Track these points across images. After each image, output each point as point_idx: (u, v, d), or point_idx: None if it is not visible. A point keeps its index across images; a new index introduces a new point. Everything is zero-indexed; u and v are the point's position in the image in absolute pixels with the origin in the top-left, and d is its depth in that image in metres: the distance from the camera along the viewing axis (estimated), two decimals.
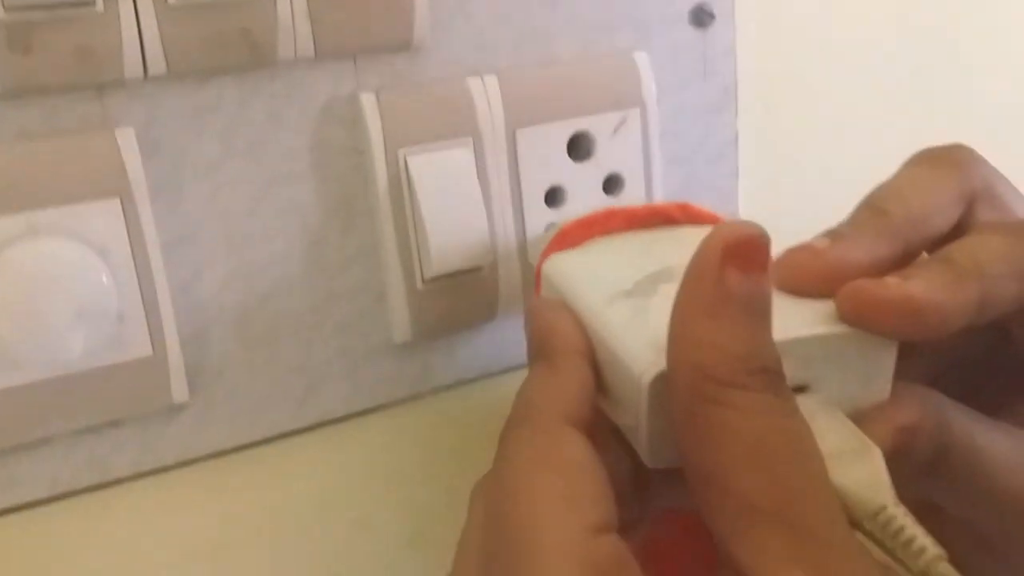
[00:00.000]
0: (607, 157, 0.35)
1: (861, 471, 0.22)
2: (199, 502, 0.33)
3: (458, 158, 0.33)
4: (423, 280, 0.33)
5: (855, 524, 0.22)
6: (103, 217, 0.28)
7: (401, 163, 0.32)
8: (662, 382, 0.23)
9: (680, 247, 0.25)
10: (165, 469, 0.32)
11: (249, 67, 0.30)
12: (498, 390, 0.36)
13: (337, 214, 0.32)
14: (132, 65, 0.28)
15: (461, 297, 0.34)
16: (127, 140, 0.29)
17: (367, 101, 0.31)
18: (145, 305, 0.29)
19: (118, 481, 0.31)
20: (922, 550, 0.21)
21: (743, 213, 0.40)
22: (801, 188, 0.41)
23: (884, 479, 0.22)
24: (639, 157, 0.36)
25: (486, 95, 0.33)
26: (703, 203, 0.32)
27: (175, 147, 0.30)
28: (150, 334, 0.30)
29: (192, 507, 0.33)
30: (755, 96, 0.39)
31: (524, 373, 0.35)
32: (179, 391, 0.31)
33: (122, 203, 0.29)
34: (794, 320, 0.25)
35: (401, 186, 0.32)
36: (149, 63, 0.28)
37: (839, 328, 0.24)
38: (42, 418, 0.29)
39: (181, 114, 0.30)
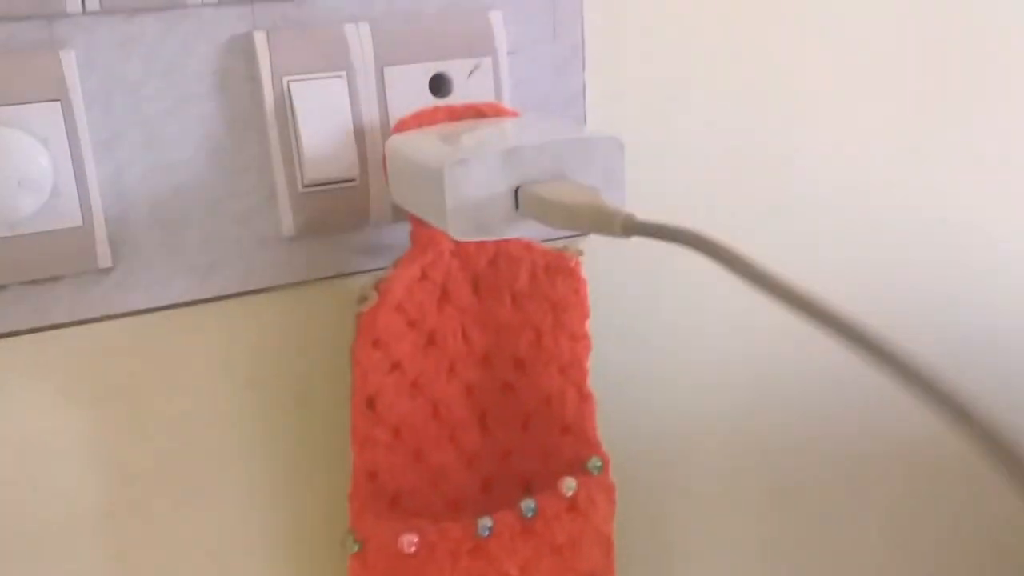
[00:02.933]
0: (463, 95, 0.43)
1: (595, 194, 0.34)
2: (122, 350, 0.42)
3: (333, 87, 0.41)
4: (303, 184, 0.42)
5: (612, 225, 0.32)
6: (47, 116, 0.38)
7: (285, 89, 0.41)
8: (458, 168, 0.34)
9: (486, 127, 0.38)
10: (95, 320, 0.41)
11: (167, 7, 0.39)
12: None
13: (235, 127, 0.41)
14: (73, 1, 0.37)
15: (337, 202, 0.43)
16: (68, 59, 0.38)
17: (259, 38, 0.40)
18: (77, 185, 0.39)
19: (55, 326, 0.40)
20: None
21: None
22: (645, 130, 0.49)
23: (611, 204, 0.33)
24: (491, 97, 0.44)
25: (359, 37, 0.41)
26: None
27: (106, 67, 0.39)
28: (80, 209, 0.39)
29: (116, 354, 0.42)
30: (602, 53, 0.47)
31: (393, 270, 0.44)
32: (104, 257, 0.40)
33: (62, 106, 0.38)
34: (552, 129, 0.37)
35: (285, 107, 0.41)
36: (87, 1, 0.37)
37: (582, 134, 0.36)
38: None
39: (112, 42, 0.39)
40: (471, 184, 0.34)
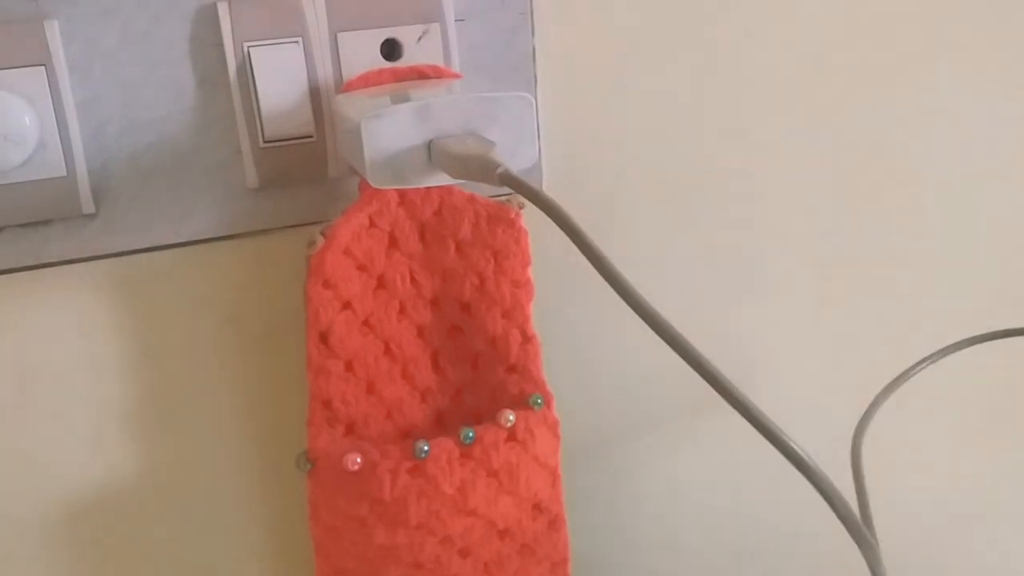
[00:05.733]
0: (413, 59, 0.47)
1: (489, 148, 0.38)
2: (108, 288, 0.47)
3: (289, 52, 0.46)
4: (263, 140, 0.46)
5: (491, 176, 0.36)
6: (32, 79, 0.43)
7: (245, 54, 0.45)
8: (373, 121, 0.38)
9: (426, 88, 0.41)
10: (82, 260, 0.46)
11: None
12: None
13: (202, 89, 0.46)
14: None
15: (296, 157, 0.47)
16: (52, 28, 0.43)
17: (222, 8, 0.45)
18: (61, 140, 0.44)
19: (47, 264, 0.46)
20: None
21: (542, 112, 0.51)
22: (596, 93, 0.52)
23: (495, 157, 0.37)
24: (440, 62, 0.48)
25: (314, 6, 0.46)
26: None
27: (86, 35, 0.44)
28: (64, 161, 0.44)
29: (102, 291, 0.47)
30: (552, 19, 0.50)
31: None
32: (87, 204, 0.45)
33: (46, 70, 0.43)
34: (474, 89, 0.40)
35: (246, 71, 0.45)
36: None
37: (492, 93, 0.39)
38: None
39: (91, 13, 0.44)
40: (386, 137, 0.38)
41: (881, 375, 0.57)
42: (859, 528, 0.31)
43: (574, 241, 0.32)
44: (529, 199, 0.34)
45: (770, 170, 0.56)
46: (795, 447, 0.31)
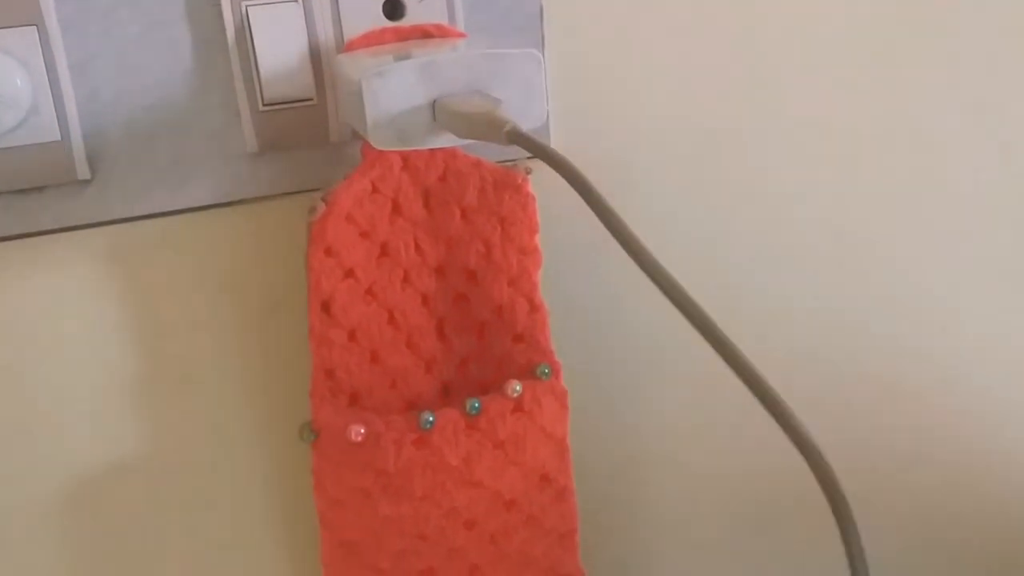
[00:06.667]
0: (416, 18, 0.46)
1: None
2: (104, 256, 0.46)
3: (288, 12, 0.44)
4: (263, 103, 0.45)
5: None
6: (24, 39, 0.42)
7: (244, 14, 0.44)
8: (375, 79, 0.36)
9: (429, 47, 0.40)
10: (78, 227, 0.45)
11: None
12: None
13: (200, 51, 0.44)
14: None
15: (296, 120, 0.46)
16: None
17: None
18: (55, 103, 0.43)
19: (42, 232, 0.45)
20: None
21: (550, 75, 0.50)
22: (605, 53, 0.51)
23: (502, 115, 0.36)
24: (444, 20, 0.46)
25: None
26: None
27: None
28: (58, 124, 0.43)
29: (99, 259, 0.46)
30: None
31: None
32: (82, 169, 0.44)
33: (38, 30, 0.42)
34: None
35: (245, 31, 0.44)
36: None
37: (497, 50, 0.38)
38: None
39: None
40: (389, 96, 0.37)
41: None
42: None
43: (585, 198, 0.31)
44: (538, 156, 0.33)
45: (783, 131, 0.55)
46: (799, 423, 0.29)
